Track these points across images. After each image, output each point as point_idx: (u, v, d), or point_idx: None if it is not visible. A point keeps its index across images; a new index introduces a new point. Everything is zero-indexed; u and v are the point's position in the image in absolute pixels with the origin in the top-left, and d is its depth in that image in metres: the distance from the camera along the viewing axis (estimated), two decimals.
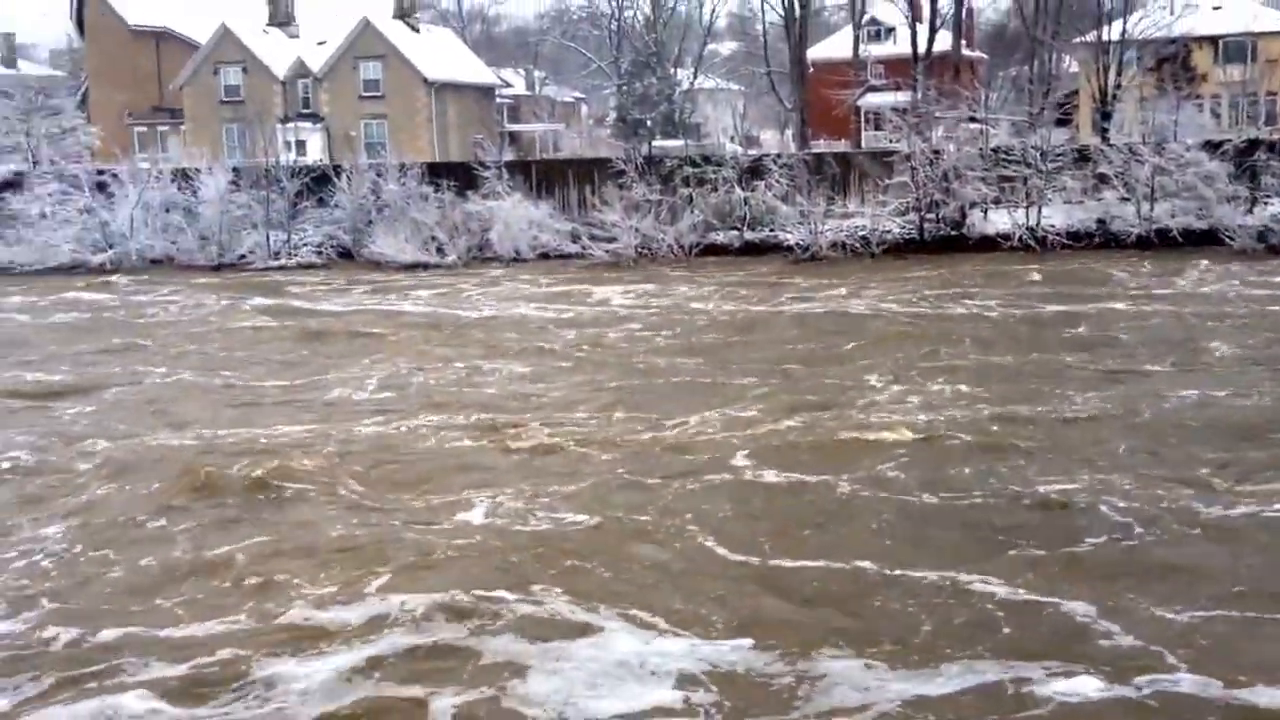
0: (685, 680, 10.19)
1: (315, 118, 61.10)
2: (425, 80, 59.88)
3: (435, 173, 47.67)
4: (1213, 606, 11.39)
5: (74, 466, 17.36)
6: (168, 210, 47.42)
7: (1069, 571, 12.36)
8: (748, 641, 10.84)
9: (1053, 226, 41.98)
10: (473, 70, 64.51)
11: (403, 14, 64.58)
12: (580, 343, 27.22)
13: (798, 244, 42.66)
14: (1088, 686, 9.89)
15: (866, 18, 66.62)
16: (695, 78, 64.60)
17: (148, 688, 10.34)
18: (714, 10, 66.71)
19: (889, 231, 42.74)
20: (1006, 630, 11.02)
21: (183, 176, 48.17)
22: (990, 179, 43.02)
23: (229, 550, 13.67)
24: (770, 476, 15.84)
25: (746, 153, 51.17)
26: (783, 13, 58.67)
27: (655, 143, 55.10)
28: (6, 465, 17.60)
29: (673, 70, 62.31)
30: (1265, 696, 9.65)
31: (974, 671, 10.19)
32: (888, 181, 43.70)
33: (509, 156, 55.16)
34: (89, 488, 16.33)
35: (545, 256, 44.81)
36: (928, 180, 42.56)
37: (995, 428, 17.93)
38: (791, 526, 13.99)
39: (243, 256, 46.14)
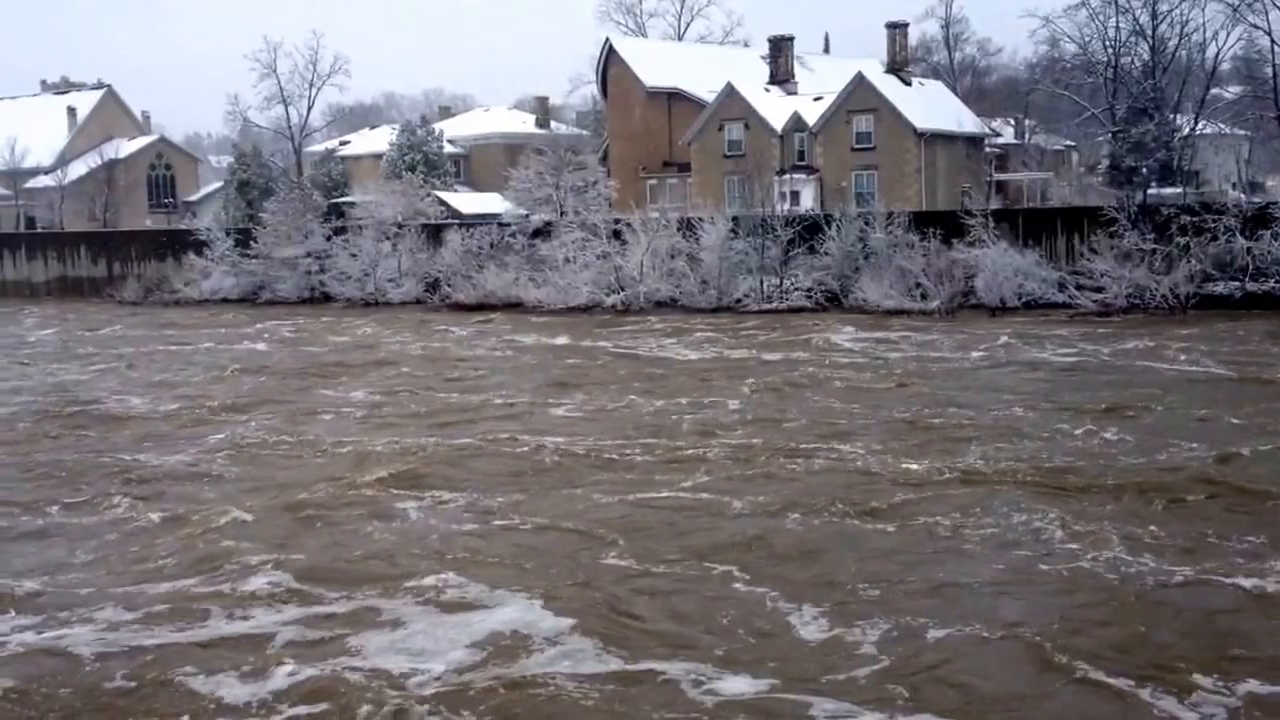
0: None
1: (809, 169, 64.06)
2: (915, 131, 61.40)
3: (922, 221, 49.01)
4: None
5: None
6: (673, 256, 51.56)
7: None
8: None
9: None
10: (962, 121, 65.38)
11: (895, 68, 66.52)
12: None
13: None
14: None
15: None
16: (1196, 123, 62.13)
17: None
18: (1218, 54, 63.37)
19: None
20: None
21: (687, 225, 52.22)
22: None
23: None
24: None
25: (1250, 200, 49.00)
26: None
27: (1150, 190, 53.74)
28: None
29: (1171, 116, 60.39)
30: None
31: None
32: None
33: (995, 205, 55.59)
34: None
35: (1030, 305, 45.01)
36: None
37: None
38: None
39: (739, 300, 49.45)
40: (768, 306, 48.43)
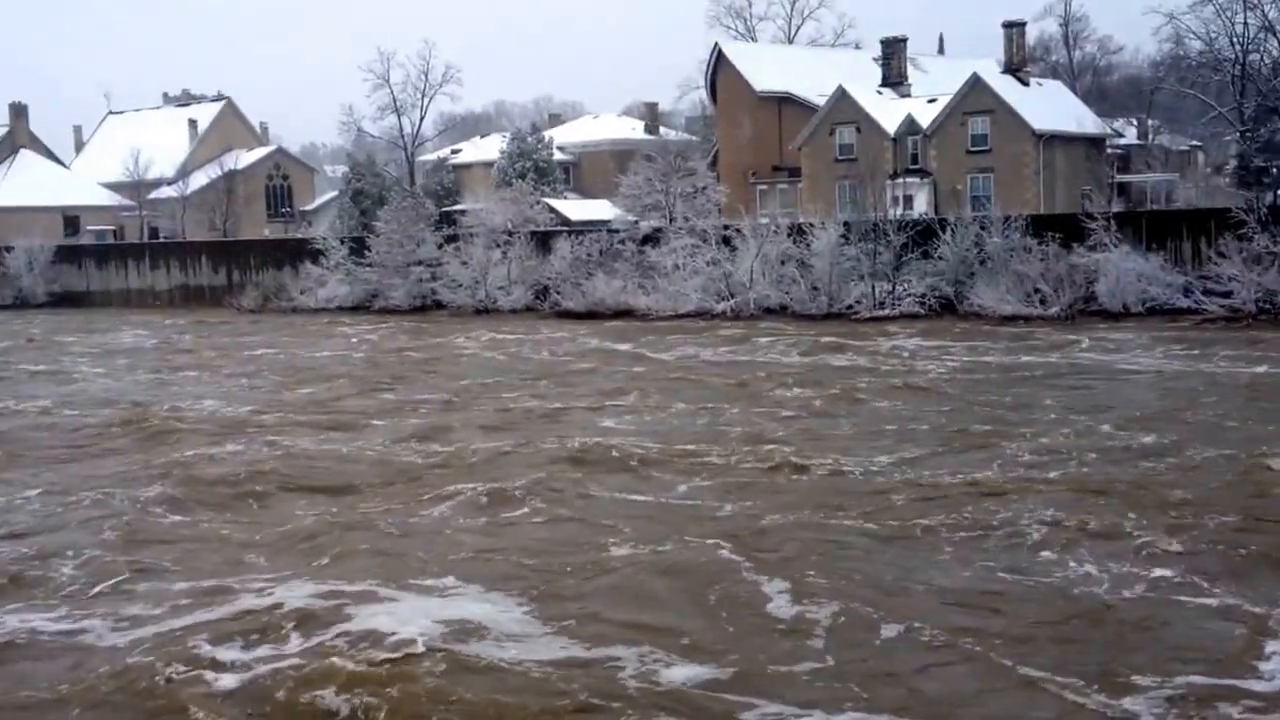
0: None
1: (923, 173, 62.96)
2: (1033, 133, 59.99)
3: (1040, 225, 47.78)
4: None
5: None
6: (783, 263, 50.97)
7: None
8: None
9: None
10: (1082, 121, 63.71)
11: (1012, 69, 65.12)
12: None
13: None
14: None
15: None
16: None
17: None
18: None
19: None
20: None
21: (798, 231, 51.60)
22: None
23: None
24: None
25: None
26: None
27: None
28: None
29: None
30: None
31: None
32: None
33: (1118, 207, 54.07)
34: None
35: (1154, 310, 43.61)
36: None
37: None
38: None
39: (849, 306, 48.70)
40: (880, 313, 47.62)
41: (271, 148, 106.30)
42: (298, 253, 66.83)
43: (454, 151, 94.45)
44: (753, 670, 12.27)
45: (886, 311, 47.63)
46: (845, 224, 51.09)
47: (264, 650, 13.15)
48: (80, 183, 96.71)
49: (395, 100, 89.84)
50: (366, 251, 62.46)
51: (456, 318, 56.10)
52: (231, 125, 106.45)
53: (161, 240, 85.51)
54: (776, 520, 17.57)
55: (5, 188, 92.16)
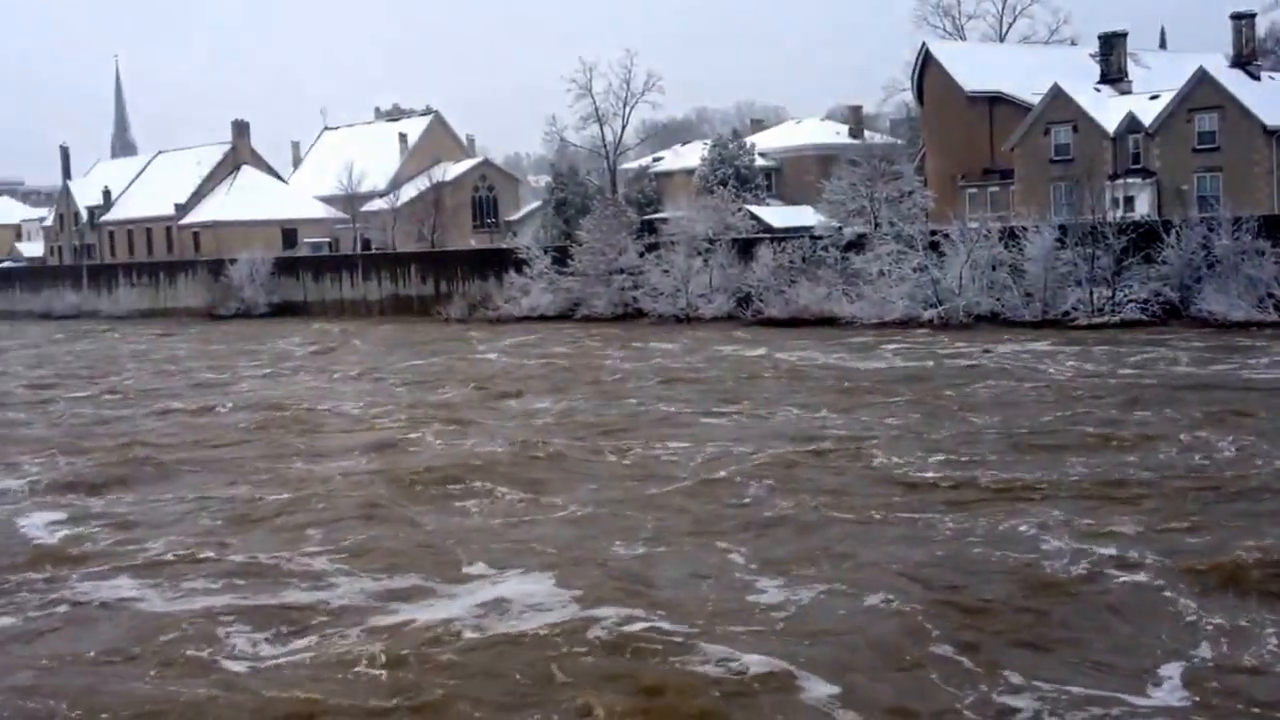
0: None
1: (1145, 173, 59.89)
2: (1265, 129, 56.35)
3: (1273, 226, 44.87)
4: None
5: None
6: (994, 268, 49.08)
7: None
8: None
9: None
10: None
11: (1241, 62, 61.40)
12: None
13: None
14: None
15: None
16: None
17: None
18: None
19: None
20: None
21: (1010, 235, 49.61)
22: None
23: None
24: None
25: None
26: None
27: None
28: None
29: None
30: None
31: None
32: None
33: None
34: None
35: None
36: None
37: None
38: None
39: (1066, 313, 46.55)
40: (1098, 320, 45.36)
41: (478, 159, 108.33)
42: (502, 262, 67.61)
43: (655, 159, 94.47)
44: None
45: (1105, 318, 45.33)
46: (1061, 227, 48.90)
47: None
48: (297, 197, 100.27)
49: (597, 109, 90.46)
50: (569, 260, 62.83)
51: (658, 326, 55.80)
52: (440, 138, 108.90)
53: (373, 252, 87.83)
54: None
55: (228, 202, 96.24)
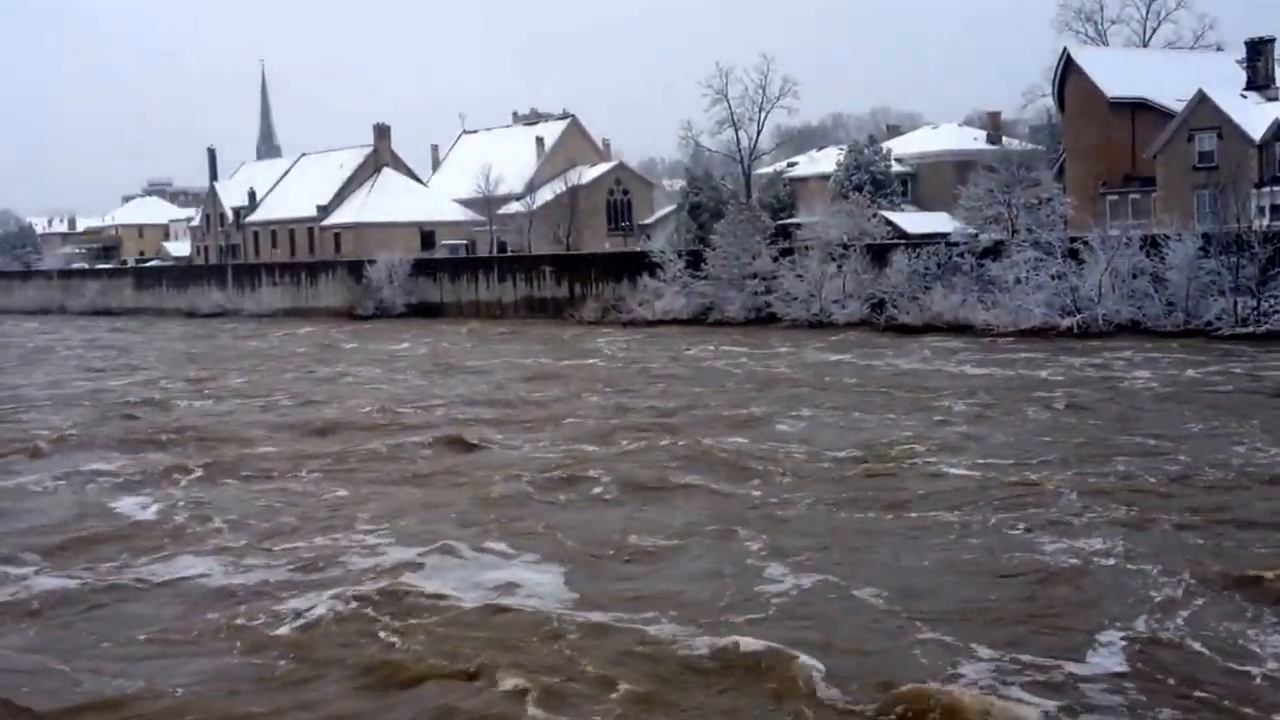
0: None
1: None
2: None
3: None
4: None
5: None
6: (1135, 276, 48.37)
7: None
8: None
9: None
10: None
11: None
12: None
13: None
14: None
15: None
16: None
17: None
18: None
19: None
20: None
21: (1151, 243, 48.84)
22: None
23: None
24: None
25: None
26: None
27: None
28: None
29: None
30: None
31: None
32: None
33: None
34: None
35: None
36: None
37: None
38: None
39: (1208, 323, 45.71)
40: (1242, 330, 44.46)
41: (613, 163, 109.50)
42: (636, 266, 68.34)
43: (790, 164, 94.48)
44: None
45: (1250, 329, 44.42)
46: (1204, 235, 48.01)
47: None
48: (436, 199, 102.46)
49: (733, 114, 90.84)
50: (703, 265, 63.34)
51: (791, 330, 56.07)
52: (576, 142, 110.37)
53: (509, 254, 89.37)
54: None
55: (369, 204, 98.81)
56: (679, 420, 29.95)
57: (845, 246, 58.38)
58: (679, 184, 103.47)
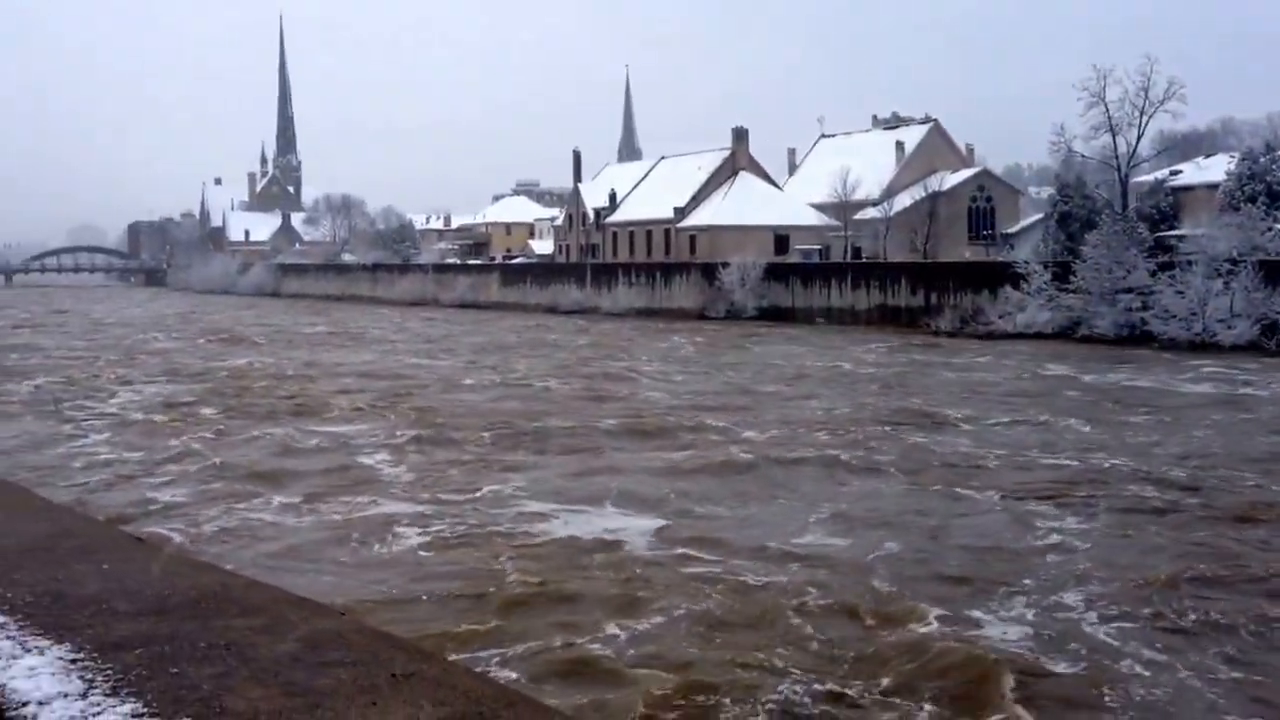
0: None
1: None
2: None
3: None
4: None
5: None
6: None
7: None
8: None
9: None
10: None
11: None
12: None
13: None
14: None
15: None
16: None
17: None
18: None
19: None
20: None
21: None
22: None
23: None
24: None
25: None
26: None
27: None
28: None
29: None
30: None
31: None
32: None
33: None
34: None
35: None
36: None
37: None
38: None
39: None
40: None
41: (976, 169, 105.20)
42: (998, 276, 64.75)
43: (1173, 173, 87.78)
44: None
45: None
46: None
47: None
48: (791, 203, 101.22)
49: (1110, 119, 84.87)
50: (1070, 277, 59.26)
51: (1168, 351, 51.43)
52: (937, 147, 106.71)
53: (863, 260, 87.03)
54: None
55: (724, 207, 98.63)
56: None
57: (1234, 262, 53.09)
58: (1046, 191, 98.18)
